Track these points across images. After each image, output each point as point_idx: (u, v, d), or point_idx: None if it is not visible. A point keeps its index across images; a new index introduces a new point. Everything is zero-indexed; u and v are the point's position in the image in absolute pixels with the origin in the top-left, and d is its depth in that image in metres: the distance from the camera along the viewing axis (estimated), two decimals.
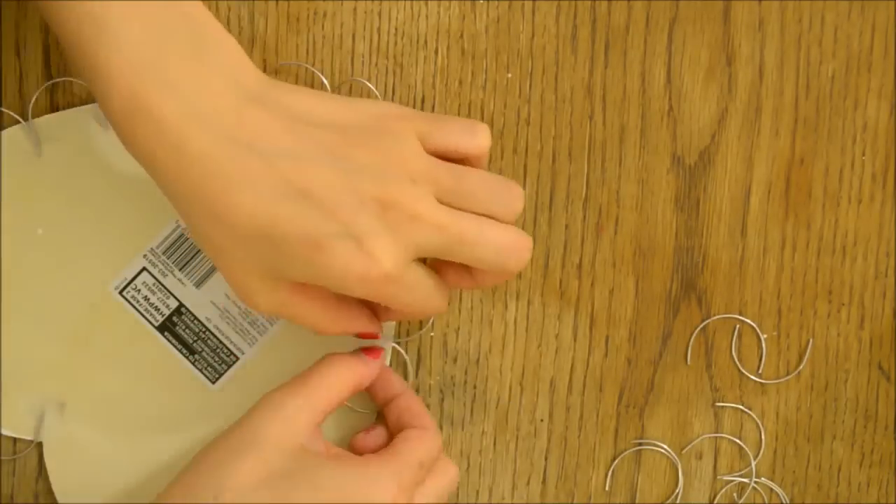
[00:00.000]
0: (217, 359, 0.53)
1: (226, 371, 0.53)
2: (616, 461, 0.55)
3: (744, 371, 0.55)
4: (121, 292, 0.52)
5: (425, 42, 0.53)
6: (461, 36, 0.53)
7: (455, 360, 0.54)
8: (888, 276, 0.55)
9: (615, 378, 0.55)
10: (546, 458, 0.55)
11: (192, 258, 0.52)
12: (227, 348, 0.53)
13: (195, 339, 0.53)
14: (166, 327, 0.53)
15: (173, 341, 0.53)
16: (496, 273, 0.47)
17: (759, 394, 0.55)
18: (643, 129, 0.54)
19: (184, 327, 0.53)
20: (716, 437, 0.56)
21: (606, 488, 0.56)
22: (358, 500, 0.45)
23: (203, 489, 0.45)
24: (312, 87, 0.52)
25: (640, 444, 0.55)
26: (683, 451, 0.56)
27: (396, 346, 0.54)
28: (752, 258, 0.55)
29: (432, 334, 0.54)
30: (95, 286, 0.52)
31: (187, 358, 0.53)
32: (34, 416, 0.52)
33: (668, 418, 0.55)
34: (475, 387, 0.55)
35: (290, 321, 0.47)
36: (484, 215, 0.46)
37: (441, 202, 0.45)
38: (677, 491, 0.56)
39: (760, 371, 0.55)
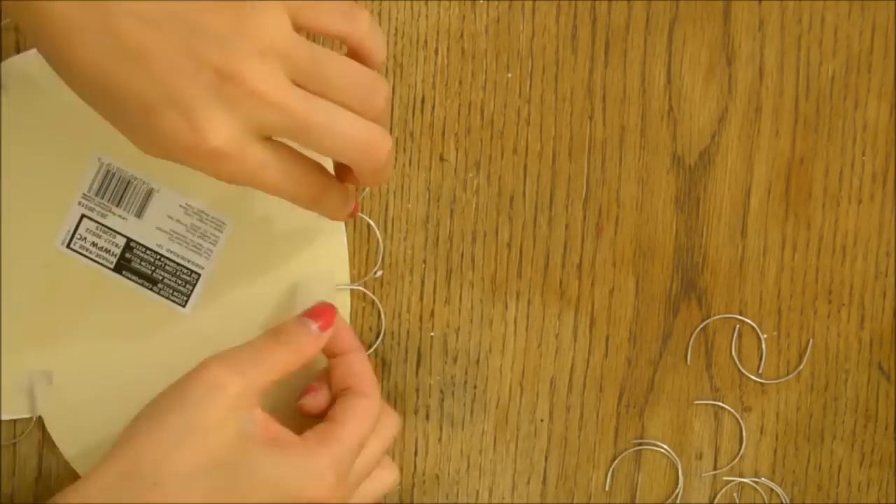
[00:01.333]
0: (180, 281, 0.53)
1: (192, 291, 0.53)
2: (616, 461, 0.55)
3: (744, 371, 0.55)
4: (68, 245, 0.52)
5: (425, 42, 0.53)
6: (461, 36, 0.53)
7: (455, 360, 0.54)
8: (888, 276, 0.55)
9: (615, 378, 0.55)
10: (546, 458, 0.55)
11: (124, 191, 0.52)
12: (185, 268, 0.53)
13: (153, 269, 0.52)
14: (122, 266, 0.52)
15: (133, 278, 0.52)
16: (357, 171, 0.45)
17: (759, 394, 0.55)
18: (643, 129, 0.54)
19: (139, 261, 0.52)
20: (716, 437, 0.56)
21: (606, 488, 0.56)
22: (295, 494, 0.45)
23: (142, 475, 0.44)
24: None
25: (640, 444, 0.55)
26: (683, 451, 0.56)
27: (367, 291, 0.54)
28: (752, 258, 0.55)
29: (432, 334, 0.54)
30: (42, 247, 0.52)
31: (151, 290, 0.53)
32: (25, 393, 0.52)
33: (668, 418, 0.55)
34: (475, 387, 0.55)
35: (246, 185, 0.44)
36: (342, 105, 0.43)
37: (296, 83, 0.42)
38: (677, 491, 0.56)
39: (760, 371, 0.55)
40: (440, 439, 0.55)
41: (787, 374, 0.55)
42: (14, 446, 0.53)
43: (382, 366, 0.54)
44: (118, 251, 0.52)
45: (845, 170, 0.54)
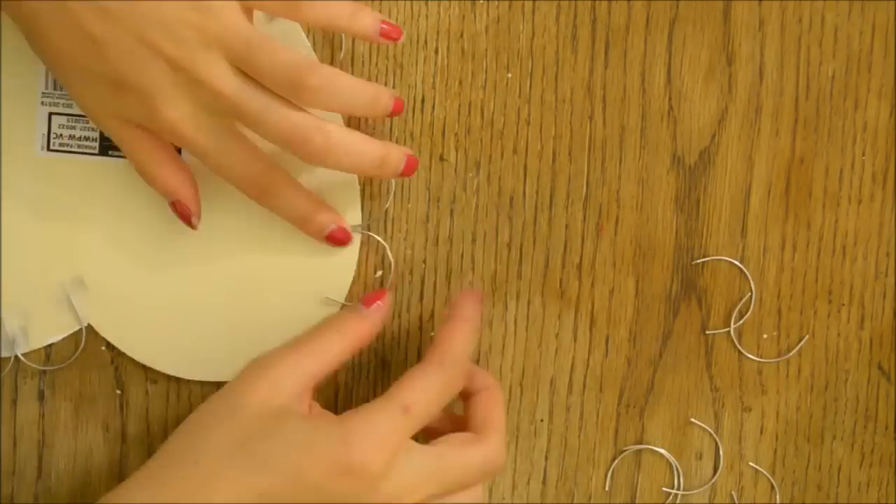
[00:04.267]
0: None
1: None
2: (616, 461, 0.55)
3: (743, 371, 0.55)
4: (48, 149, 0.52)
5: (425, 42, 0.53)
6: (461, 36, 0.53)
7: None
8: (888, 276, 0.55)
9: (615, 378, 0.55)
10: (546, 458, 0.55)
11: None
12: None
13: None
14: (106, 147, 0.52)
15: (119, 154, 0.52)
16: (297, 157, 0.47)
17: (759, 394, 0.55)
18: (643, 129, 0.54)
19: None
20: (715, 438, 0.56)
21: (606, 488, 0.56)
22: (329, 456, 0.44)
23: (184, 454, 0.45)
24: None
25: (640, 448, 0.55)
26: (683, 452, 0.55)
27: (378, 239, 0.54)
28: (752, 258, 0.55)
29: (432, 334, 0.54)
30: (26, 161, 0.51)
31: None
32: (65, 307, 0.52)
33: (668, 418, 0.55)
34: None
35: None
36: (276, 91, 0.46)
37: (241, 70, 0.46)
38: (677, 491, 0.56)
39: (760, 371, 0.55)
40: None
41: (787, 374, 0.55)
42: (14, 445, 0.53)
43: (382, 366, 0.54)
44: (96, 134, 0.52)
45: (845, 170, 0.54)
